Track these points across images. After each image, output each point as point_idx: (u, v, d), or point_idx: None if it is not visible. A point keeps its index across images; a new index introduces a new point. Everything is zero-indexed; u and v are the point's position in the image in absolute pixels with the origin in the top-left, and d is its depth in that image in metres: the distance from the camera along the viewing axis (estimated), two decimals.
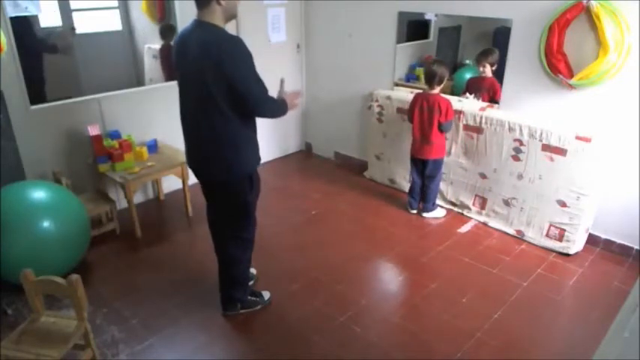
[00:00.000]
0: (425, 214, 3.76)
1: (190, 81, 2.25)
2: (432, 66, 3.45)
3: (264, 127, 4.70)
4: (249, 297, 2.73)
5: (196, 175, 2.46)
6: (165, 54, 3.91)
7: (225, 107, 2.18)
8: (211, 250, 2.67)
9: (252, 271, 2.93)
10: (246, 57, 2.14)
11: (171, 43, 3.77)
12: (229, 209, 2.48)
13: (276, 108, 2.34)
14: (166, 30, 3.86)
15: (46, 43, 3.46)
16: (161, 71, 3.95)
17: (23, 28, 3.12)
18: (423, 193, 3.75)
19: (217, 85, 2.12)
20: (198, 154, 2.39)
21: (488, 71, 3.59)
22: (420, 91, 3.63)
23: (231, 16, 2.22)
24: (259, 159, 2.46)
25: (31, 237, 2.63)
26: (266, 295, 2.81)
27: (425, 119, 3.48)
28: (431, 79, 3.42)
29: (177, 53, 2.30)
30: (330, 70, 4.62)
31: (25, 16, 3.11)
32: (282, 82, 2.51)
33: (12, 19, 2.98)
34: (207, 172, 2.40)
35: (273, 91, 2.33)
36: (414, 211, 3.82)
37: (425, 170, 3.64)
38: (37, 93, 3.24)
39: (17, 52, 3.02)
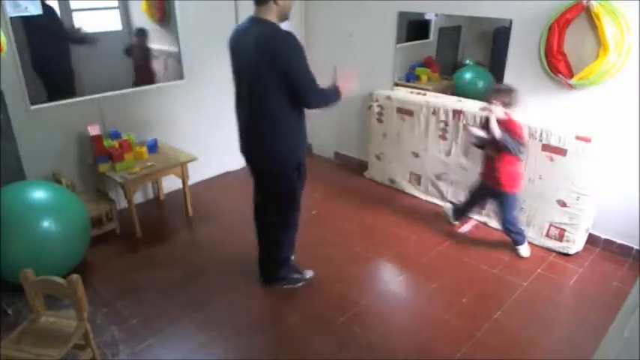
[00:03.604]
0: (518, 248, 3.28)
1: (244, 73, 2.40)
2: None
3: None
4: (293, 274, 2.93)
5: (247, 161, 2.63)
6: (137, 54, 3.83)
7: (276, 98, 2.33)
8: (211, 250, 2.67)
9: (309, 273, 3.05)
10: (299, 50, 2.29)
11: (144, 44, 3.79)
12: (276, 195, 2.63)
13: (326, 97, 2.45)
14: (140, 33, 3.83)
15: (74, 35, 3.52)
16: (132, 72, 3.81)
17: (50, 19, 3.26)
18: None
19: (269, 77, 2.28)
20: (249, 142, 2.55)
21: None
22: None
23: (285, 16, 2.38)
24: (305, 148, 2.63)
25: (31, 237, 2.63)
26: (308, 273, 2.98)
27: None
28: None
29: (232, 47, 2.45)
30: (330, 70, 4.61)
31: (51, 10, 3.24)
32: (334, 69, 2.63)
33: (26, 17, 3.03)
34: (257, 159, 2.57)
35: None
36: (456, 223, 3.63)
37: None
38: (69, 84, 3.46)
39: (17, 52, 3.02)
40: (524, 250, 3.24)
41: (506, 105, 2.98)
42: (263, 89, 2.33)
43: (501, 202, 3.17)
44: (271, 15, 2.32)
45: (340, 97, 2.51)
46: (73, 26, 3.45)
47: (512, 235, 3.23)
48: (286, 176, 2.56)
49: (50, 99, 3.31)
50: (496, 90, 3.06)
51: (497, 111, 2.95)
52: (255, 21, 2.35)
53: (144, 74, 3.83)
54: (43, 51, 3.29)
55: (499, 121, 2.95)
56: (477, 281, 2.99)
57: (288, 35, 2.29)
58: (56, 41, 3.39)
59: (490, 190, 3.19)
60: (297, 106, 2.41)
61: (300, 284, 2.93)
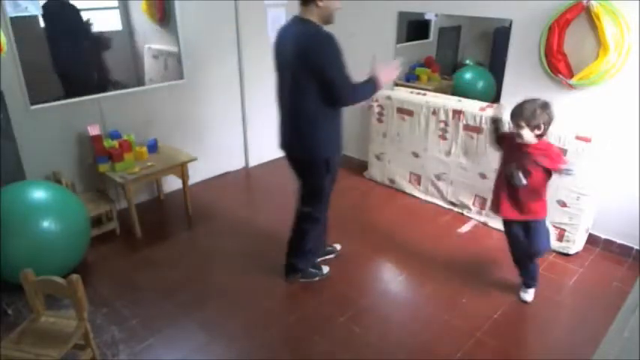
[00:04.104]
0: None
1: (285, 69, 2.51)
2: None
3: (264, 126, 4.72)
4: (310, 269, 2.99)
5: (284, 152, 2.74)
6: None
7: (308, 97, 2.43)
8: (211, 250, 2.68)
9: (337, 246, 3.24)
10: (332, 50, 2.35)
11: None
12: (305, 186, 2.75)
13: (363, 92, 2.52)
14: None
15: (93, 35, 3.66)
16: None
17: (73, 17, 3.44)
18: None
19: (306, 74, 2.37)
20: (286, 134, 2.68)
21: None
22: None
23: (328, 18, 2.45)
24: (339, 148, 2.69)
25: (31, 237, 2.63)
26: (325, 269, 3.04)
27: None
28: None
29: (276, 45, 2.57)
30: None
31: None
32: (373, 58, 2.65)
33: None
34: (291, 150, 2.69)
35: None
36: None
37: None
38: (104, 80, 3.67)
39: (17, 52, 3.02)
40: (531, 295, 2.81)
41: (534, 129, 2.35)
42: (297, 86, 2.44)
43: (534, 231, 2.62)
44: (313, 16, 2.41)
45: (379, 88, 2.56)
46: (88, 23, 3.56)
47: (532, 270, 2.76)
48: (313, 169, 2.64)
49: (68, 96, 3.39)
50: (520, 112, 2.36)
51: (528, 136, 2.37)
52: (297, 21, 2.46)
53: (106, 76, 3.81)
54: (64, 48, 3.41)
55: (530, 147, 2.41)
56: (477, 281, 2.99)
57: (324, 35, 2.36)
58: (77, 39, 3.51)
59: (518, 224, 2.64)
60: (330, 105, 2.47)
61: (317, 279, 2.98)
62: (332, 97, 2.41)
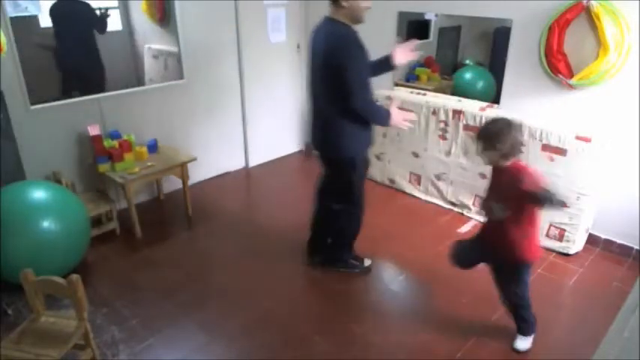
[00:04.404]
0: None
1: (316, 69, 2.57)
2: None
3: (264, 126, 4.72)
4: (352, 260, 3.07)
5: (315, 148, 2.81)
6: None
7: (334, 95, 2.47)
8: (211, 250, 2.67)
9: (366, 261, 3.13)
10: (353, 51, 2.42)
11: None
12: (335, 183, 2.83)
13: (373, 108, 2.57)
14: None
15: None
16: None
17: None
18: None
19: (330, 74, 2.43)
20: (315, 131, 2.75)
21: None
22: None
23: (355, 18, 2.48)
24: (365, 147, 2.73)
25: (31, 237, 2.63)
26: (367, 262, 3.11)
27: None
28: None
29: (310, 45, 2.61)
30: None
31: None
32: (392, 101, 2.78)
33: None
34: (320, 148, 2.75)
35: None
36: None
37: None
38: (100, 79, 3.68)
39: (17, 52, 3.02)
40: (527, 343, 2.43)
41: (507, 156, 2.10)
42: (324, 86, 2.52)
43: (515, 274, 2.31)
44: (340, 15, 2.45)
45: (389, 122, 2.59)
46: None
47: (522, 316, 2.40)
48: (340, 167, 2.70)
49: (82, 94, 3.44)
50: (485, 133, 2.12)
51: (494, 159, 2.13)
52: (327, 21, 2.51)
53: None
54: (78, 46, 3.52)
55: (503, 172, 2.15)
56: (477, 281, 2.98)
57: (348, 36, 2.43)
58: (93, 36, 3.58)
59: (498, 259, 2.34)
60: (345, 106, 2.49)
61: (357, 271, 3.06)
62: (346, 98, 2.43)
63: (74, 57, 3.58)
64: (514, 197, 2.07)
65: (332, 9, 2.46)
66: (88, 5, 3.49)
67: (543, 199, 1.97)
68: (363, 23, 2.52)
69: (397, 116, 2.61)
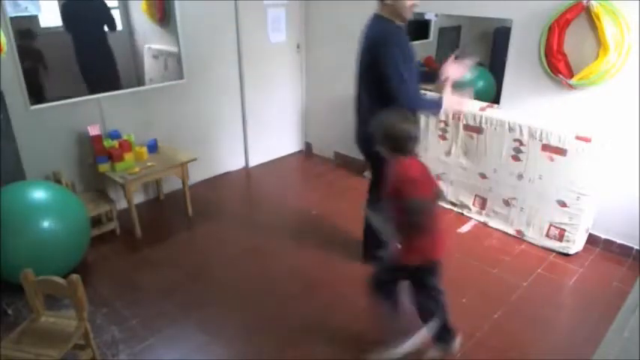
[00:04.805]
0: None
1: (360, 65, 2.62)
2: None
3: (264, 126, 4.72)
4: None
5: (358, 148, 2.85)
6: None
7: (374, 91, 2.52)
8: (211, 250, 2.67)
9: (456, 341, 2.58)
10: (391, 47, 2.42)
11: None
12: (379, 182, 2.70)
13: (422, 101, 2.62)
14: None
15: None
16: None
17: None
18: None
19: (371, 70, 2.48)
20: (357, 129, 2.79)
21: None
22: None
23: (400, 15, 2.49)
24: None
25: (31, 237, 2.63)
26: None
27: None
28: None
29: (360, 42, 2.65)
30: (330, 70, 4.61)
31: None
32: (446, 80, 2.62)
33: None
34: (361, 146, 2.80)
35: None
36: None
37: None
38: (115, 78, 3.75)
39: (17, 52, 3.02)
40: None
41: (394, 150, 2.05)
42: (366, 82, 2.58)
43: (433, 274, 2.26)
44: (385, 12, 2.50)
45: (441, 109, 2.54)
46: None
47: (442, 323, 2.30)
48: (379, 164, 2.59)
49: (92, 92, 3.48)
50: (376, 129, 2.10)
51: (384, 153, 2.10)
52: (374, 17, 2.58)
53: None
54: (91, 44, 3.58)
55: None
56: (477, 281, 2.99)
57: (387, 31, 2.47)
58: (105, 33, 3.63)
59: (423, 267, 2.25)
60: (388, 103, 2.40)
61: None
62: (389, 95, 2.44)
63: (90, 55, 3.60)
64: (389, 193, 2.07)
65: (378, 6, 2.52)
66: (101, 1, 3.53)
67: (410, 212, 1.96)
68: (409, 19, 2.53)
69: (450, 102, 2.54)
